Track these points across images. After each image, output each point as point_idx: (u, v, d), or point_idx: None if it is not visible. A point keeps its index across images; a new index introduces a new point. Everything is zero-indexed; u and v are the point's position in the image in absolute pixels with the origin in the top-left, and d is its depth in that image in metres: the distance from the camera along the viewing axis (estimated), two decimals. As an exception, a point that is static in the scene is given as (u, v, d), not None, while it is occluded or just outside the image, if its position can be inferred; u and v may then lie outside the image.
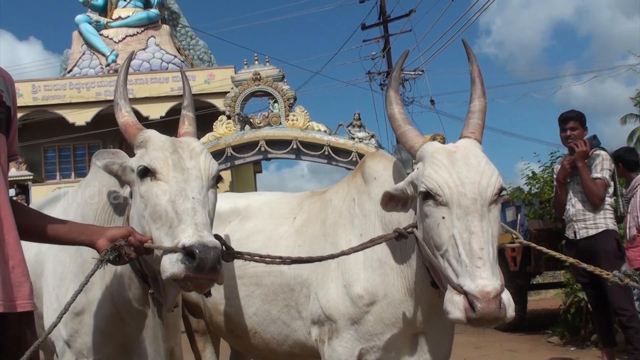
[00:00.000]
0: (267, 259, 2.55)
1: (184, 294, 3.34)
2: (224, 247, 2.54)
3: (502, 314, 2.04)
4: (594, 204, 5.50)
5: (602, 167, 5.55)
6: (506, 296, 2.08)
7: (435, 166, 2.26)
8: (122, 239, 2.15)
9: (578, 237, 5.58)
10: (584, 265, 2.56)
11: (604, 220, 5.49)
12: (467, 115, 2.53)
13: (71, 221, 2.32)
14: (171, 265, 2.03)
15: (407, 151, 2.47)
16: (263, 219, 3.20)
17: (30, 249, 2.35)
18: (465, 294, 2.06)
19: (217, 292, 3.14)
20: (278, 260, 2.55)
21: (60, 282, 2.64)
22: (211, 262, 2.02)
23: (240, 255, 2.54)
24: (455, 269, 2.14)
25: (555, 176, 6.00)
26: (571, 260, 2.54)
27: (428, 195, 2.24)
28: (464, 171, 2.22)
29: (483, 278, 2.05)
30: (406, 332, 2.65)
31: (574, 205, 5.64)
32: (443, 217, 2.19)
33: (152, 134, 2.40)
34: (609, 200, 5.58)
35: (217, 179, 2.40)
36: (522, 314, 10.35)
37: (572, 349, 8.13)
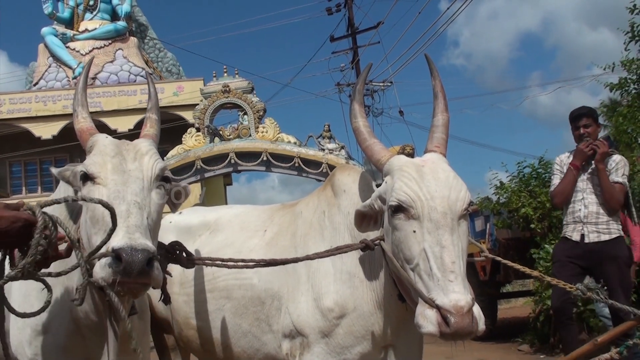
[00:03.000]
0: (229, 263, 2.54)
1: (152, 309, 3.30)
2: (184, 254, 2.53)
3: (475, 328, 2.05)
4: (612, 209, 5.25)
5: (624, 173, 5.31)
6: (477, 310, 2.09)
7: (405, 179, 2.26)
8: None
9: (586, 241, 5.27)
10: (548, 278, 2.59)
11: (617, 227, 5.26)
12: (430, 129, 2.55)
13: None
14: (101, 269, 1.99)
15: (374, 165, 2.48)
16: (233, 232, 3.19)
17: None
18: (437, 308, 2.07)
19: (187, 306, 3.12)
20: (240, 263, 2.54)
21: (24, 299, 2.59)
22: (139, 265, 1.95)
23: (201, 260, 2.53)
24: (426, 283, 2.14)
25: (556, 165, 5.73)
26: (535, 274, 2.57)
27: (398, 209, 2.23)
28: (433, 185, 2.23)
29: (456, 292, 2.06)
30: (376, 345, 2.65)
31: (586, 207, 5.34)
32: (414, 231, 2.20)
33: (99, 137, 2.39)
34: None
35: (164, 179, 2.36)
36: (493, 323, 10.45)
37: (541, 356, 8.22)
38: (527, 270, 2.56)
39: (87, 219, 2.21)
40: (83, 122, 2.48)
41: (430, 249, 2.14)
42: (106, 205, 2.00)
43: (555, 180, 5.66)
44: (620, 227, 5.32)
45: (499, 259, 2.77)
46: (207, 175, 18.53)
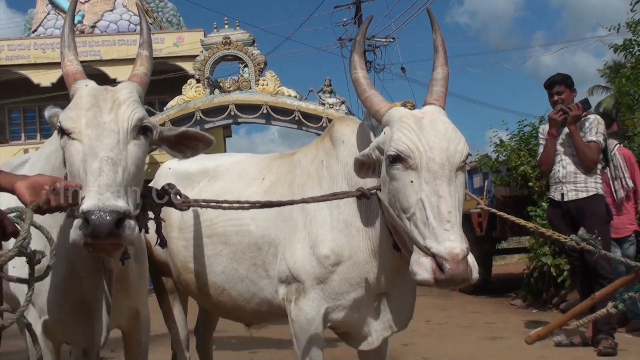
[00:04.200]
0: (224, 205, 2.56)
1: (151, 253, 3.35)
2: (178, 197, 2.51)
3: (469, 275, 2.09)
4: (587, 168, 5.47)
5: (597, 131, 5.51)
6: (471, 259, 2.13)
7: (404, 130, 2.27)
8: (49, 187, 2.09)
9: (565, 199, 5.57)
10: (543, 230, 2.63)
11: (595, 185, 5.49)
12: (430, 83, 2.56)
13: (7, 172, 2.29)
14: (73, 230, 1.99)
15: (372, 116, 2.48)
16: (232, 179, 3.21)
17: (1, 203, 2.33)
18: (433, 255, 2.10)
19: (186, 251, 3.16)
20: (235, 205, 2.56)
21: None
22: (107, 227, 1.93)
23: (195, 202, 2.54)
24: (422, 232, 2.17)
25: (539, 134, 6.00)
26: (530, 225, 2.59)
27: (397, 159, 2.25)
28: (432, 137, 2.25)
29: (451, 240, 2.10)
30: (370, 293, 2.71)
31: (564, 167, 5.60)
32: (411, 181, 2.22)
33: (79, 86, 2.33)
34: (599, 165, 5.56)
35: (143, 129, 2.28)
36: (487, 278, 10.58)
37: (534, 311, 8.35)
38: (522, 221, 2.59)
39: (68, 171, 2.23)
40: (69, 65, 2.41)
41: (427, 199, 2.17)
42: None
43: (540, 149, 5.91)
44: (600, 185, 5.54)
45: (494, 210, 2.80)
46: (206, 126, 18.45)
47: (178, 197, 2.51)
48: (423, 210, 2.17)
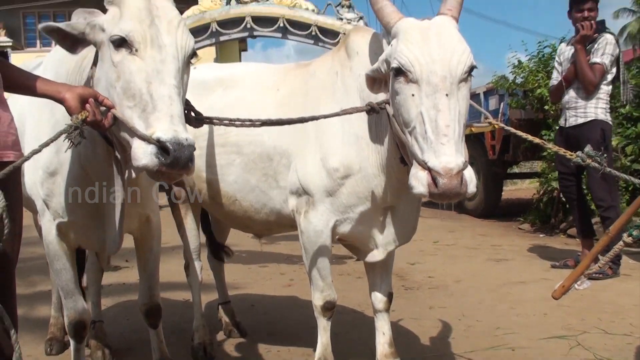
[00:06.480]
0: (236, 122, 2.56)
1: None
2: (192, 113, 2.50)
3: (463, 190, 2.11)
4: (586, 91, 5.43)
5: (604, 52, 5.40)
6: (468, 173, 2.14)
7: (407, 42, 2.25)
8: (92, 99, 2.09)
9: (567, 125, 5.59)
10: (549, 145, 2.62)
11: (594, 110, 5.43)
12: None
13: (44, 78, 2.26)
14: (144, 156, 1.98)
15: (384, 27, 2.45)
16: (247, 89, 3.20)
17: (14, 105, 2.34)
18: (429, 169, 2.13)
19: (200, 160, 3.19)
20: (247, 123, 2.57)
21: (36, 142, 2.61)
22: (184, 160, 1.97)
23: (209, 120, 2.54)
24: (421, 146, 2.19)
25: (555, 60, 5.92)
26: (537, 140, 2.56)
27: (399, 72, 2.24)
28: (435, 48, 2.22)
29: (446, 155, 2.11)
30: (378, 206, 2.75)
31: (568, 92, 5.59)
32: (412, 95, 2.22)
33: None
34: (605, 88, 5.47)
35: (192, 55, 2.24)
36: (497, 202, 10.65)
37: (541, 235, 8.45)
38: (529, 137, 2.57)
39: (119, 88, 2.10)
40: None
41: (427, 112, 2.17)
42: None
43: (554, 74, 5.84)
44: (601, 109, 5.45)
45: (502, 125, 2.79)
46: (222, 39, 18.22)
47: (192, 113, 2.50)
48: (422, 124, 2.18)
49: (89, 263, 3.81)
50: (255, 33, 18.11)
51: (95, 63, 2.27)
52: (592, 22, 5.41)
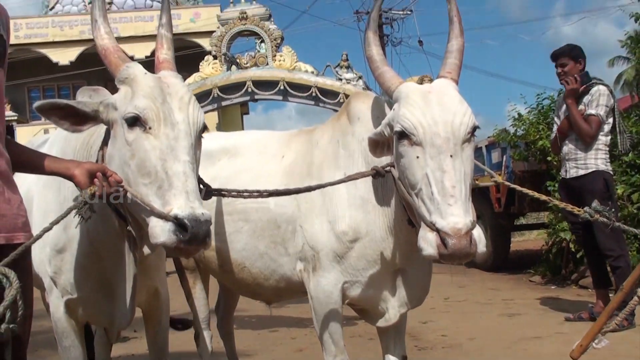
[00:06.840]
0: (244, 194, 2.59)
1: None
2: (201, 186, 2.49)
3: (473, 250, 2.11)
4: (585, 143, 5.44)
5: (598, 103, 5.43)
6: (477, 232, 2.15)
7: (409, 106, 2.30)
8: (101, 174, 2.10)
9: (568, 177, 5.59)
10: (556, 201, 2.63)
11: (595, 161, 5.44)
12: (445, 55, 2.55)
13: (52, 155, 2.29)
14: (163, 233, 1.99)
15: (385, 92, 2.51)
16: (251, 156, 3.23)
17: (21, 186, 2.36)
18: (437, 231, 2.13)
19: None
20: (255, 194, 2.60)
21: (43, 218, 2.62)
22: (202, 236, 1.99)
23: (218, 192, 2.56)
24: (428, 207, 2.20)
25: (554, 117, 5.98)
26: (543, 197, 2.58)
27: (403, 135, 2.28)
28: (437, 111, 2.26)
29: (454, 215, 2.12)
30: (387, 269, 2.74)
31: (567, 144, 5.60)
32: (417, 157, 2.25)
33: (138, 72, 2.21)
34: (603, 139, 5.49)
35: (203, 130, 2.27)
36: (506, 254, 10.55)
37: (552, 287, 8.33)
38: (536, 194, 2.59)
39: (134, 166, 2.11)
40: (108, 40, 2.27)
41: (432, 174, 2.20)
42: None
43: (555, 127, 5.99)
44: (601, 160, 5.45)
45: (507, 183, 2.81)
46: (224, 103, 18.56)
47: (201, 185, 2.52)
48: (428, 186, 2.20)
49: (97, 336, 3.77)
50: (256, 97, 18.44)
51: (105, 141, 2.29)
52: (576, 75, 5.50)
